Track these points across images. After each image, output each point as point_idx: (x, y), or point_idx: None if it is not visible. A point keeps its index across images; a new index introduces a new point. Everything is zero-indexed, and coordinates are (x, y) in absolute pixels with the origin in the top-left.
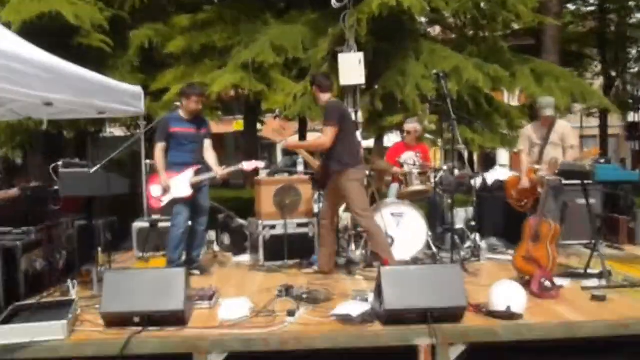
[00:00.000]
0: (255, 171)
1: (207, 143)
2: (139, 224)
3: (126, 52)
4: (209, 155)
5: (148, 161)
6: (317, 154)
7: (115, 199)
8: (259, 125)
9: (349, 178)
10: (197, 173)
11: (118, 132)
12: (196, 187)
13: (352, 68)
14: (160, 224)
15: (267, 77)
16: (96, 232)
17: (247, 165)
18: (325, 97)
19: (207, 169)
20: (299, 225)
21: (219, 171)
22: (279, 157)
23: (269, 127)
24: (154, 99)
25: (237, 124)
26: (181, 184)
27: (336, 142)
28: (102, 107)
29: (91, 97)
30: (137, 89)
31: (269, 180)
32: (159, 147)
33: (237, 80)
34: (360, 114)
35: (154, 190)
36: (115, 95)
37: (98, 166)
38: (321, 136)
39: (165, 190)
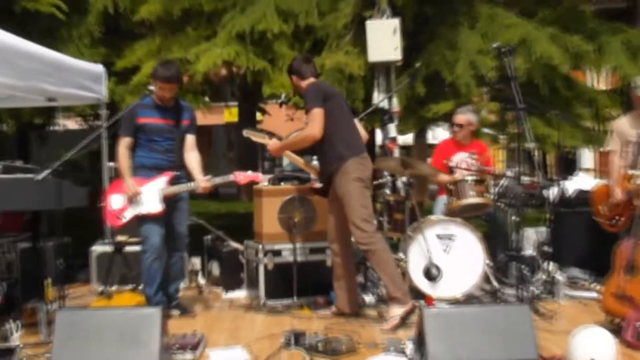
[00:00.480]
0: (253, 182)
1: (190, 140)
2: (99, 248)
3: (84, 20)
4: (191, 157)
5: (112, 164)
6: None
7: (70, 215)
8: (259, 115)
9: (350, 176)
10: (171, 181)
11: (72, 124)
12: (170, 202)
13: (384, 39)
14: (128, 248)
15: (270, 52)
16: (44, 258)
17: (240, 177)
18: (306, 85)
19: (187, 176)
20: (313, 250)
21: (200, 183)
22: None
23: (273, 121)
24: (120, 81)
25: (229, 114)
26: (149, 196)
27: (326, 130)
28: (53, 92)
29: (38, 79)
30: (98, 68)
31: (273, 189)
32: (124, 143)
33: (231, 56)
34: (395, 100)
35: (114, 201)
36: (69, 77)
37: (47, 171)
38: (306, 126)
39: (130, 202)
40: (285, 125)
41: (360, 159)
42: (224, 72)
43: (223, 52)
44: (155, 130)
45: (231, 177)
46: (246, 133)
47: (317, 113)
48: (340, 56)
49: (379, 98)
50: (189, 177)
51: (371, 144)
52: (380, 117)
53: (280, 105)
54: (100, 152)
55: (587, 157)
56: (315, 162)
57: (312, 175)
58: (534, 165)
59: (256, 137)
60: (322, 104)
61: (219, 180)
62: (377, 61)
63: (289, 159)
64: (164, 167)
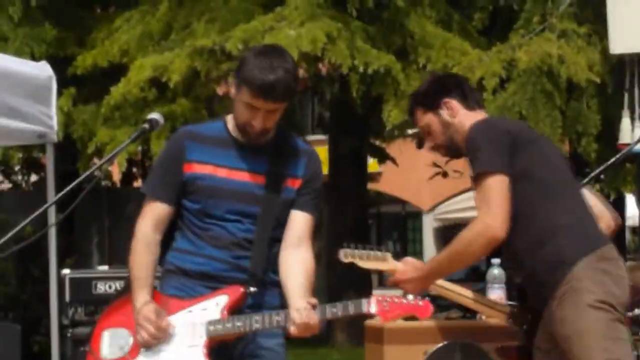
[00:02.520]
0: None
1: (299, 224)
2: None
3: None
4: (292, 261)
5: (67, 271)
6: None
7: None
8: (372, 164)
9: (583, 298)
10: (235, 306)
11: None
12: (237, 353)
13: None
14: None
15: (400, 33)
16: None
17: (383, 306)
18: (468, 121)
19: (279, 298)
20: None
21: (296, 315)
22: (432, 247)
23: (403, 177)
24: (86, 97)
25: None
26: (183, 338)
27: (522, 213)
28: None
29: None
30: (42, 72)
31: (407, 328)
32: (150, 215)
33: (317, 43)
34: None
35: (110, 342)
36: None
37: None
38: (474, 218)
39: (143, 345)
40: (428, 187)
41: (602, 259)
42: (302, 74)
43: (301, 36)
44: (221, 193)
45: (364, 306)
46: (345, 256)
47: (498, 183)
48: (551, 44)
49: (633, 132)
50: (282, 301)
51: (618, 230)
52: (634, 171)
53: (420, 143)
54: (42, 245)
55: None
56: (495, 288)
57: (494, 294)
58: None
59: (368, 262)
60: (507, 163)
61: (338, 310)
62: (628, 54)
63: (442, 293)
64: (225, 276)
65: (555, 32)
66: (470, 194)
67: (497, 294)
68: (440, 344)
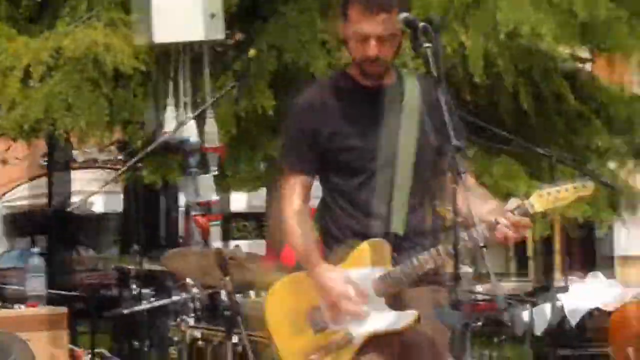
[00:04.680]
0: None
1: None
2: None
3: None
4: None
5: None
6: None
7: None
8: None
9: None
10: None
11: None
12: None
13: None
14: None
15: None
16: None
17: None
18: None
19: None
20: None
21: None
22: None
23: None
24: None
25: None
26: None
27: None
28: None
29: None
30: None
31: None
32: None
33: None
34: (212, 125)
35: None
36: None
37: None
38: None
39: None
40: None
41: None
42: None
43: None
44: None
45: None
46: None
47: None
48: (97, 32)
49: (177, 120)
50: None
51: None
52: (180, 159)
53: None
54: None
55: (622, 240)
56: None
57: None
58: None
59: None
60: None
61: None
62: (172, 43)
63: None
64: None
65: (102, 21)
66: (34, 182)
67: (35, 283)
68: None
